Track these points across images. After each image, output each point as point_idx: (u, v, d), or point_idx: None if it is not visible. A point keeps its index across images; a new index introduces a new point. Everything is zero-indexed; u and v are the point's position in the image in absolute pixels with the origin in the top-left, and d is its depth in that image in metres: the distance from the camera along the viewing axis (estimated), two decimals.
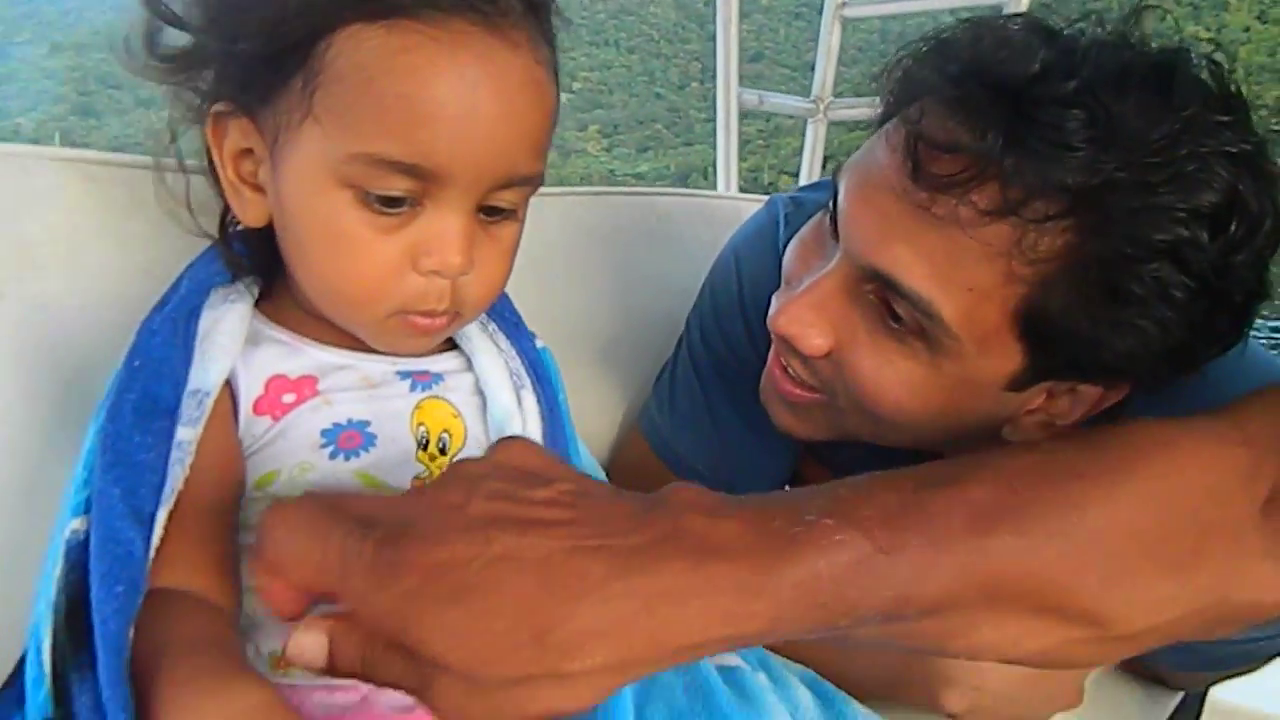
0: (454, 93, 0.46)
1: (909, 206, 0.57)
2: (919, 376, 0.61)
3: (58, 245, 0.62)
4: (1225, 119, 0.55)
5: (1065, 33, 0.59)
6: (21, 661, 0.48)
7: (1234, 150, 0.54)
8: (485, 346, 0.60)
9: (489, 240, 0.52)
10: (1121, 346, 0.57)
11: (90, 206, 0.64)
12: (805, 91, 1.75)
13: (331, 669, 0.38)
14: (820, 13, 1.71)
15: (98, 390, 0.59)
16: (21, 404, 0.60)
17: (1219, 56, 0.57)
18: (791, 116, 1.76)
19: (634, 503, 0.40)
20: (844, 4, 1.69)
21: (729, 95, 1.65)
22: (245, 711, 0.38)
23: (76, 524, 0.45)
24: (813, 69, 1.76)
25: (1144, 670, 0.85)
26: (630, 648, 0.36)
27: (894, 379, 0.62)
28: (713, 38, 1.64)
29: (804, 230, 0.71)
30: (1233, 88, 0.57)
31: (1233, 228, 0.54)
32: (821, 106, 1.71)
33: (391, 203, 0.48)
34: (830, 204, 0.65)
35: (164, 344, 0.49)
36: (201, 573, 0.46)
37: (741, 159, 1.76)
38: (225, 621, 0.46)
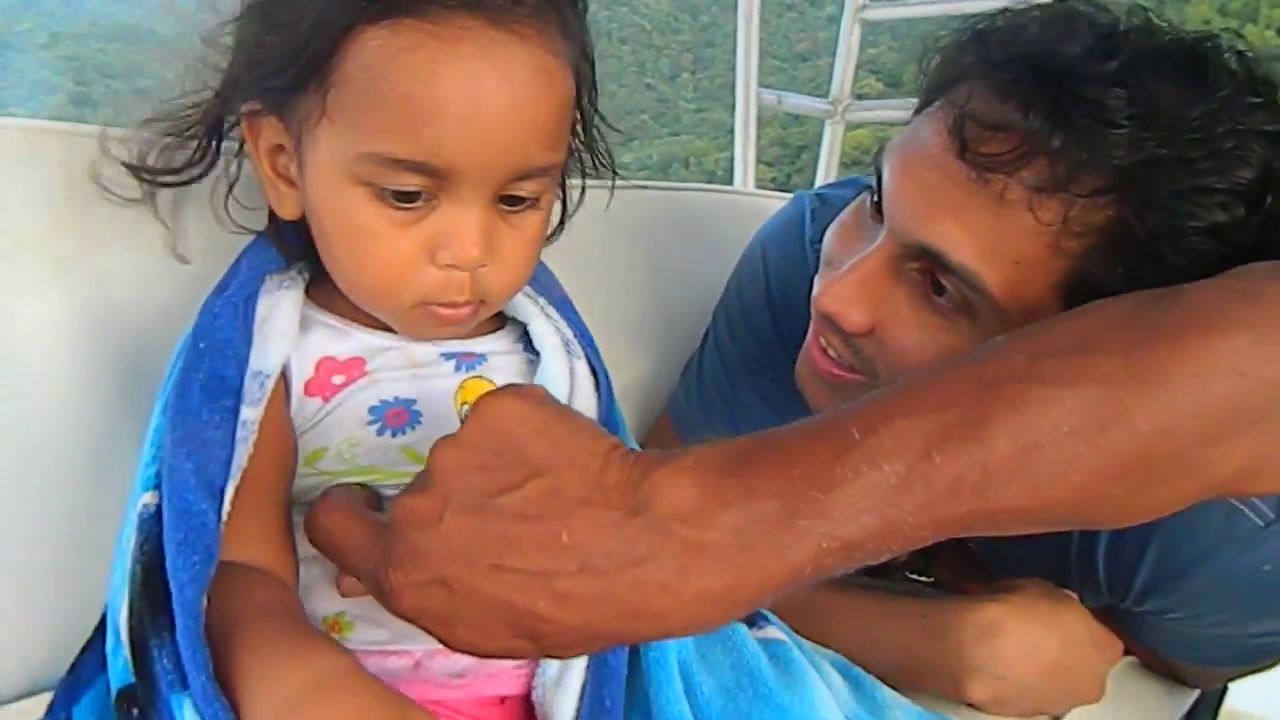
0: (457, 89, 0.46)
1: (957, 184, 0.59)
2: (962, 351, 0.62)
3: (118, 224, 0.64)
4: (1258, 100, 0.57)
5: (1101, 19, 0.61)
6: (98, 627, 0.50)
7: (1269, 129, 0.56)
8: (537, 315, 0.61)
9: (510, 230, 0.52)
10: None
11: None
12: (796, 82, 1.76)
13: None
14: (812, 5, 1.72)
15: (154, 359, 0.61)
16: (85, 373, 0.62)
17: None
18: (810, 117, 1.76)
19: (613, 510, 0.38)
20: (864, 6, 1.69)
21: (748, 94, 1.66)
22: (326, 674, 0.40)
23: (148, 498, 0.46)
24: (803, 60, 1.79)
25: (1161, 667, 0.86)
26: (610, 639, 0.39)
27: (937, 355, 0.63)
28: (705, 28, 1.66)
29: (844, 214, 0.72)
30: (1260, 72, 0.59)
31: (1268, 202, 0.56)
32: (839, 108, 1.71)
33: (406, 197, 0.49)
34: (874, 187, 0.66)
35: (227, 327, 0.51)
36: (264, 545, 0.48)
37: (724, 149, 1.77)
38: (290, 592, 0.48)
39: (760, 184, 1.81)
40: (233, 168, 0.60)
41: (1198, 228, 0.56)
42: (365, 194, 0.49)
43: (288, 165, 0.53)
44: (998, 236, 0.58)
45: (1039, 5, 0.64)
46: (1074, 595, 0.75)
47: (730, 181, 1.73)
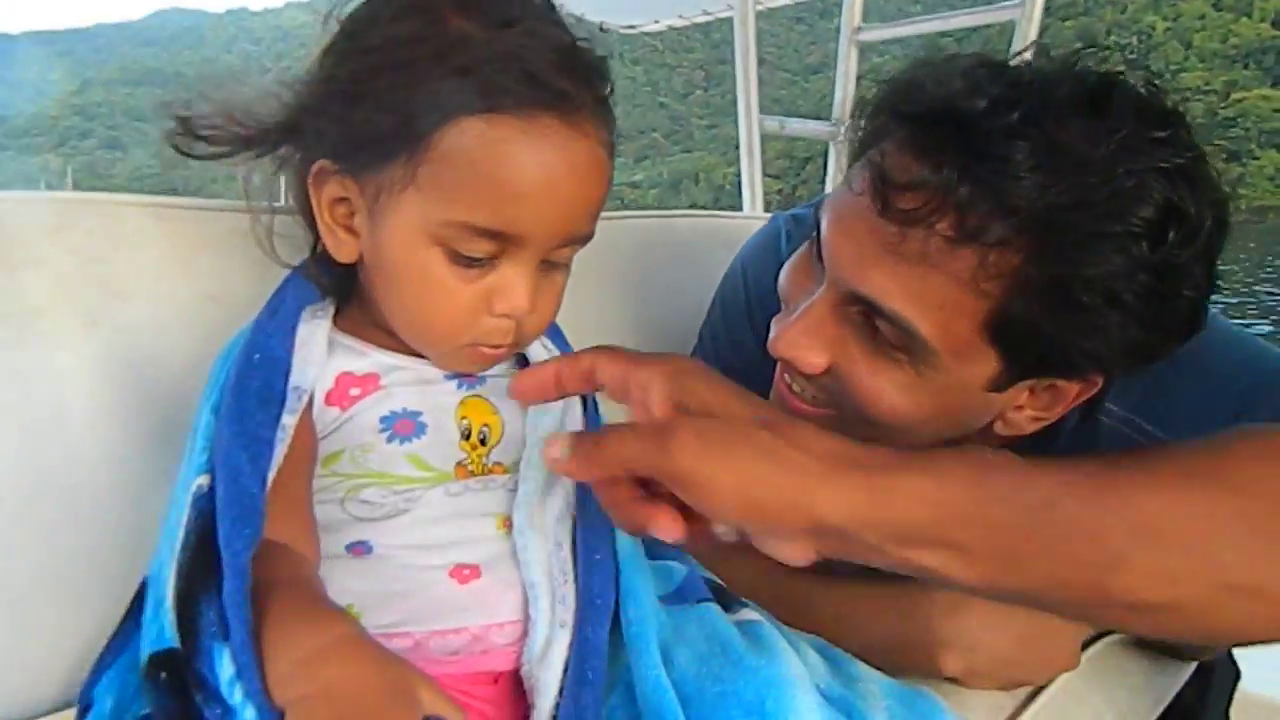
0: (536, 175, 0.56)
1: (881, 238, 0.64)
2: (908, 385, 0.67)
3: (141, 279, 0.73)
4: (1161, 135, 0.60)
5: (1011, 66, 0.65)
6: (126, 614, 0.58)
7: (1168, 165, 0.59)
8: (538, 349, 0.70)
9: (546, 285, 0.62)
10: (1085, 345, 0.63)
11: (168, 244, 0.75)
12: (806, 94, 1.79)
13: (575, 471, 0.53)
14: (821, 18, 1.77)
15: (173, 397, 0.71)
16: (112, 412, 0.71)
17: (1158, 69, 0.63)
18: (812, 139, 1.82)
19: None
20: (860, 28, 1.74)
21: (750, 121, 1.72)
22: (335, 640, 0.47)
23: (202, 480, 0.54)
24: (814, 73, 1.85)
25: (1151, 639, 0.86)
26: (853, 521, 0.50)
27: (887, 388, 0.68)
28: (717, 45, 1.72)
29: (794, 257, 0.77)
30: (1167, 106, 0.62)
31: (1171, 236, 0.59)
32: (842, 129, 1.75)
33: (476, 259, 0.59)
34: (815, 235, 0.71)
35: (278, 346, 0.60)
36: (292, 526, 0.56)
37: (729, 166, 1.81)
38: (311, 567, 0.56)
39: (766, 195, 1.86)
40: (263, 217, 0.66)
41: (1101, 268, 0.59)
42: (440, 253, 0.58)
43: (348, 215, 0.62)
44: (922, 284, 0.63)
45: (946, 57, 0.67)
46: None
47: (738, 195, 1.81)
